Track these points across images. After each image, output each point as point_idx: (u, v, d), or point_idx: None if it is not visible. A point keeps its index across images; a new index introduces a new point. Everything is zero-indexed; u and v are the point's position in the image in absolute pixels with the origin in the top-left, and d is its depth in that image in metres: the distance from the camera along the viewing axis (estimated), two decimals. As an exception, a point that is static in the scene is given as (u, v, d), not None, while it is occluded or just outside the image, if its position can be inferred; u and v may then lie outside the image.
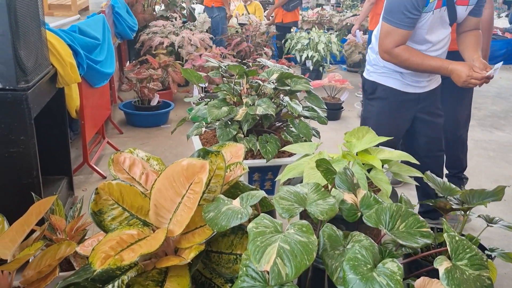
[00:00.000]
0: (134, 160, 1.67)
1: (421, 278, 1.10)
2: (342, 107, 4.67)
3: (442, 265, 1.02)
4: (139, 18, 5.14)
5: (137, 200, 1.48)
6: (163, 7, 6.31)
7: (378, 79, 2.14)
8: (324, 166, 1.45)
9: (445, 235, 1.10)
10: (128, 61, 5.59)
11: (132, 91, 4.25)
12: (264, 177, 2.21)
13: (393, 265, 0.98)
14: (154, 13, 6.05)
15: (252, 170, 2.20)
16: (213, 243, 1.51)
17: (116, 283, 1.38)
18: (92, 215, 1.42)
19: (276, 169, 2.19)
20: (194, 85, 4.01)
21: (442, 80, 2.25)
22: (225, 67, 2.34)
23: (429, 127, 2.23)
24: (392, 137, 1.84)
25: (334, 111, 4.53)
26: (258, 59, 2.58)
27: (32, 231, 1.57)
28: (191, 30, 5.54)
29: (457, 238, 1.09)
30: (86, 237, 1.86)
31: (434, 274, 1.11)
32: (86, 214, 2.08)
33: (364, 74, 2.22)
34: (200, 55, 4.66)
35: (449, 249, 1.07)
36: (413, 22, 1.92)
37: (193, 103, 2.71)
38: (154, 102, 4.14)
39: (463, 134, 2.75)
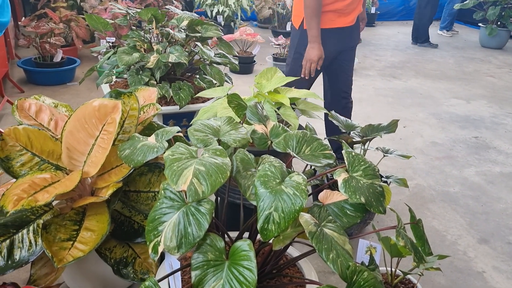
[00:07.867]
0: (41, 106, 1.60)
1: (324, 190, 1.23)
2: (254, 61, 4.76)
3: (340, 176, 1.16)
4: (32, -32, 4.70)
5: (47, 144, 1.44)
6: (59, -43, 5.79)
7: None
8: (235, 102, 1.52)
9: (343, 151, 1.24)
10: (23, 17, 5.11)
11: (31, 47, 3.94)
12: (179, 123, 2.23)
13: (299, 177, 1.09)
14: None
15: (167, 117, 2.21)
16: (131, 183, 1.53)
17: (31, 228, 1.36)
18: (-1, 162, 1.36)
19: (190, 116, 2.22)
20: (101, 40, 3.83)
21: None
22: (133, 14, 2.27)
23: None
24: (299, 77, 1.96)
25: (246, 65, 4.61)
26: (167, 7, 2.53)
27: None
28: (93, -18, 5.19)
29: (353, 153, 1.23)
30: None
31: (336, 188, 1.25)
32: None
33: None
34: (106, 9, 4.42)
35: (346, 163, 1.20)
36: None
37: (101, 53, 2.60)
38: (57, 58, 3.89)
39: None
